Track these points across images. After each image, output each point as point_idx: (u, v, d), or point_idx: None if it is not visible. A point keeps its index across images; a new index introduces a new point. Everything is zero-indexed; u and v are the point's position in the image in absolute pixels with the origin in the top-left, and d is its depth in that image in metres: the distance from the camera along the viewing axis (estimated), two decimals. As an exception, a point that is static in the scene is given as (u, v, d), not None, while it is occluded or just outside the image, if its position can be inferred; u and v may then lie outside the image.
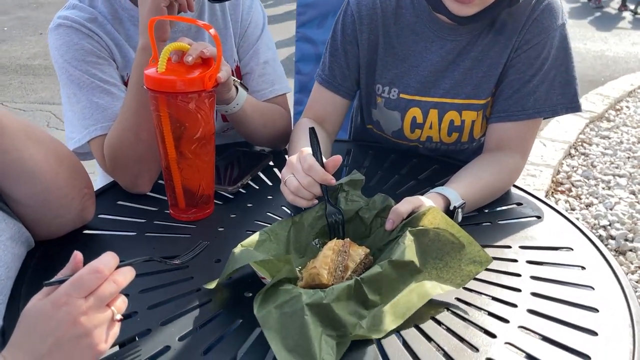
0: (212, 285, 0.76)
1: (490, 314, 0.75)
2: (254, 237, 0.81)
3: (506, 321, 0.74)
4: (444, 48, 1.10)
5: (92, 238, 0.91)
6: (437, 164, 1.19)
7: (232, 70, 1.16)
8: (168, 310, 0.74)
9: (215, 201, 1.02)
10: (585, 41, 6.00)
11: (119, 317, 0.61)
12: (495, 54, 1.08)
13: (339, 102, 1.17)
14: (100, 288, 0.59)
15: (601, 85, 4.43)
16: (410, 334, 0.71)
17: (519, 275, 0.84)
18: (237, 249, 0.76)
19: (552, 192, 2.85)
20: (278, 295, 0.69)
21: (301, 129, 1.09)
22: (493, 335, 0.71)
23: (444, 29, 1.08)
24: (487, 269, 0.83)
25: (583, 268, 0.86)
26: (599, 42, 6.04)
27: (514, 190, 1.10)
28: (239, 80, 1.04)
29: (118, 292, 0.61)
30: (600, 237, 2.42)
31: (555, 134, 3.46)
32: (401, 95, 1.14)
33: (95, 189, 1.04)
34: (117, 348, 0.67)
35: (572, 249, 0.90)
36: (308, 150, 0.89)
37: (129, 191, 1.02)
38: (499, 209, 1.03)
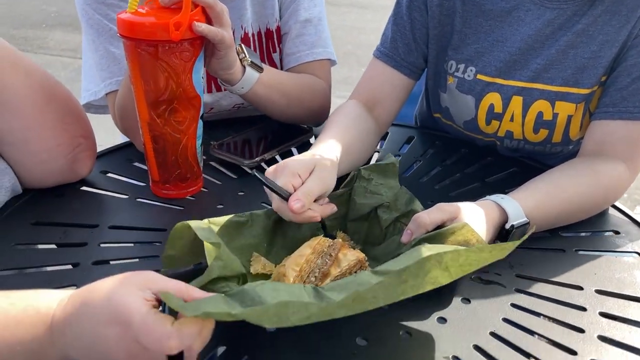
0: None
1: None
2: (229, 217, 0.65)
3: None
4: (542, 18, 0.84)
5: (81, 194, 0.82)
6: (516, 166, 0.94)
7: (251, 37, 0.99)
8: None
9: (230, 175, 0.89)
10: None
11: None
12: (611, 29, 0.80)
13: (399, 81, 0.95)
14: None
15: None
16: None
17: (581, 331, 0.59)
18: (195, 223, 0.59)
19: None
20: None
21: (342, 115, 0.89)
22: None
23: (544, -8, 0.83)
24: (535, 314, 0.60)
25: (686, 338, 0.58)
26: None
27: (612, 212, 0.82)
28: (249, 59, 0.86)
29: None
30: None
31: None
32: (478, 76, 0.91)
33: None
34: None
35: (676, 308, 0.63)
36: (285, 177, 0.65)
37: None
38: (582, 234, 0.77)
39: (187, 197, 0.82)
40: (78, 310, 0.46)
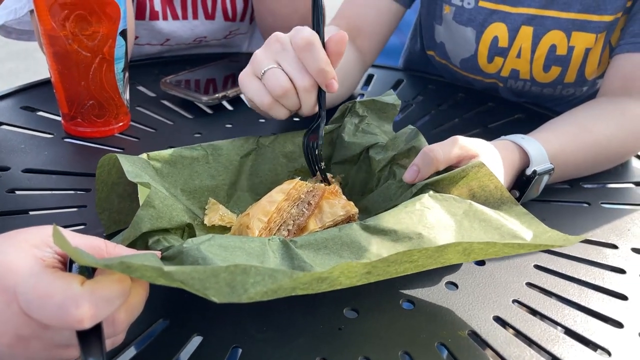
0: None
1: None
2: (178, 150, 0.50)
3: (585, 381, 0.39)
4: None
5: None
6: (522, 112, 0.82)
7: None
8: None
9: (184, 114, 0.73)
10: None
11: None
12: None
13: (387, 6, 0.79)
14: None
15: None
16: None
17: (624, 297, 0.47)
18: (124, 157, 0.44)
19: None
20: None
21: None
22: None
23: None
24: (566, 277, 0.48)
25: None
26: None
27: (636, 162, 0.70)
28: None
29: None
30: None
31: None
32: (480, 3, 0.77)
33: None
34: None
35: None
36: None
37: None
38: (608, 185, 0.65)
39: (130, 138, 0.66)
40: None
